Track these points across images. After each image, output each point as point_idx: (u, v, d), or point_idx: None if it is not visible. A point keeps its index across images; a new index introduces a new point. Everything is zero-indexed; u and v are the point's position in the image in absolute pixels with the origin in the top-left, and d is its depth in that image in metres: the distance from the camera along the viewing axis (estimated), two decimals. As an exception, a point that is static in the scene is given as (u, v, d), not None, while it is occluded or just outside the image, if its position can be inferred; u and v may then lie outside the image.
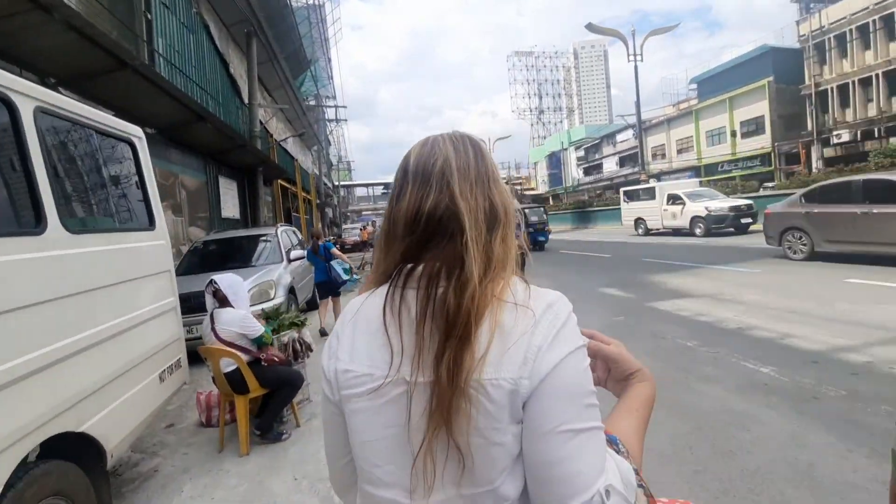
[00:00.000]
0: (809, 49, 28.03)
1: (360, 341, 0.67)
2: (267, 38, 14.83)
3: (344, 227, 30.59)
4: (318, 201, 30.24)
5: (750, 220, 14.77)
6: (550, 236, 18.21)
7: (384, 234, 0.72)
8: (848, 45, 26.21)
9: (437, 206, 0.66)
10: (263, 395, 3.30)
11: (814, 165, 26.99)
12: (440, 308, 0.62)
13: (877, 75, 24.84)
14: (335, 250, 6.47)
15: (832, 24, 26.69)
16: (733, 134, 32.99)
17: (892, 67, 24.11)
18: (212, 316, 3.26)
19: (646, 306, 6.12)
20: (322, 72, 34.89)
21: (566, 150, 52.80)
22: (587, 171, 49.48)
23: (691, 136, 36.65)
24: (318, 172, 31.59)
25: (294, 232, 8.44)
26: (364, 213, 58.57)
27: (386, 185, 68.63)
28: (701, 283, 7.33)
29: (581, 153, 50.38)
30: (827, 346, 4.05)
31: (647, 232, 18.94)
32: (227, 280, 3.30)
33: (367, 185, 65.81)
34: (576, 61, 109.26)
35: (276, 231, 6.89)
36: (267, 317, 3.97)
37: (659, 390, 3.51)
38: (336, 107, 32.84)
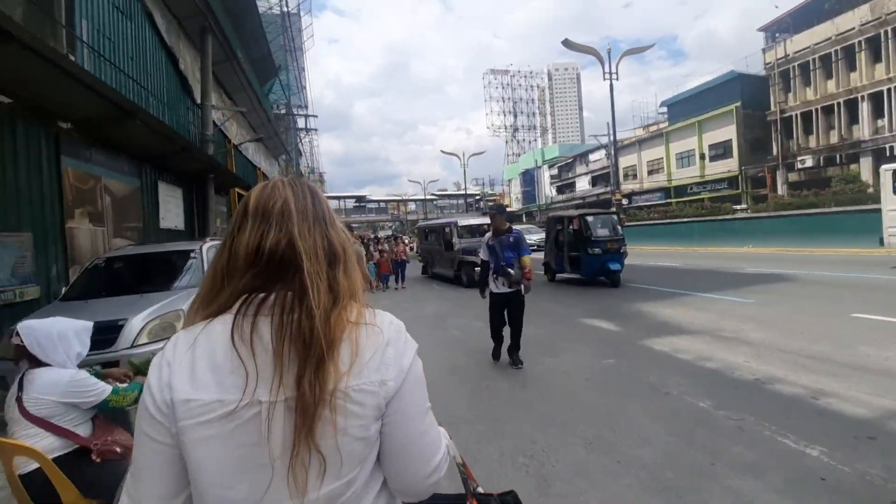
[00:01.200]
0: (775, 77, 28.67)
1: (203, 370, 0.68)
2: (224, 36, 13.64)
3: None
4: (283, 213, 28.78)
5: None
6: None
7: (222, 267, 0.74)
8: (811, 73, 26.84)
9: (278, 243, 0.72)
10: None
11: (779, 189, 27.37)
12: (297, 332, 0.68)
13: (838, 104, 25.43)
14: None
15: (796, 53, 27.35)
16: (702, 157, 33.40)
17: (852, 97, 24.73)
18: (21, 382, 2.10)
19: (639, 345, 5.18)
20: (294, 81, 33.64)
21: (540, 168, 52.86)
22: (560, 190, 49.51)
23: (662, 158, 37.01)
24: (285, 183, 30.14)
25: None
26: (335, 225, 56.80)
27: (358, 199, 67.28)
28: (692, 315, 6.49)
29: (554, 171, 50.45)
30: (875, 410, 3.17)
31: None
32: (33, 328, 2.13)
33: (338, 198, 64.19)
34: (550, 82, 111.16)
35: (202, 247, 5.68)
36: (137, 371, 2.81)
37: (681, 491, 2.03)
38: (307, 116, 31.55)
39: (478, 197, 65.19)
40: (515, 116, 78.32)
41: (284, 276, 0.72)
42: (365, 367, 0.70)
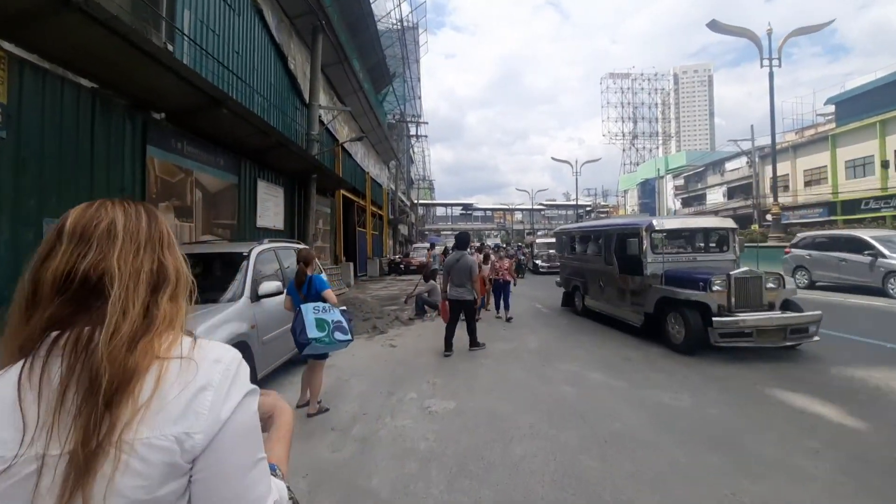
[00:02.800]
0: None
1: None
2: (336, 37, 13.24)
3: (414, 245, 28.66)
4: (390, 217, 28.76)
5: None
6: None
7: (25, 299, 0.64)
8: None
9: (95, 266, 0.63)
10: None
11: None
12: (84, 370, 0.58)
13: None
14: (328, 292, 3.95)
15: None
16: (884, 165, 26.52)
17: None
18: None
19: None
20: (409, 92, 33.97)
21: (663, 177, 47.35)
22: (686, 202, 43.69)
23: (824, 167, 30.38)
24: (393, 188, 30.22)
25: (298, 251, 6.10)
26: (442, 231, 57.03)
27: (465, 206, 66.97)
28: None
29: (680, 182, 44.74)
30: None
31: None
32: None
33: (446, 205, 64.43)
34: (675, 86, 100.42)
35: (251, 252, 4.56)
36: None
37: None
38: (417, 122, 31.41)
39: (589, 208, 60.80)
40: (635, 123, 71.42)
41: (93, 305, 0.62)
42: (161, 414, 0.58)
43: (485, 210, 68.97)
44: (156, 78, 5.80)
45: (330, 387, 4.51)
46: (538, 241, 25.50)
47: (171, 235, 0.73)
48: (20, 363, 0.60)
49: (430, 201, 61.53)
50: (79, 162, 5.40)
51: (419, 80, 43.94)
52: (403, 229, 34.80)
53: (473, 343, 6.20)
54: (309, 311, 3.53)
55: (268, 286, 4.20)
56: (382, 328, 7.43)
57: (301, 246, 6.09)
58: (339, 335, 3.55)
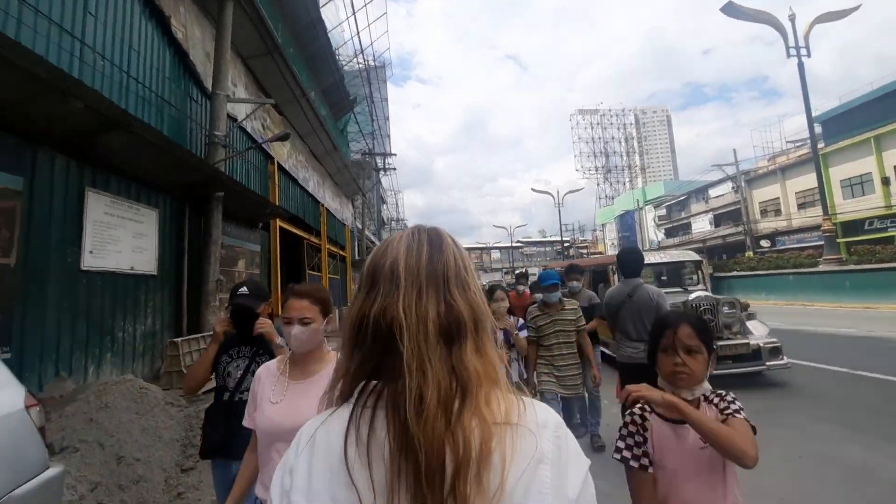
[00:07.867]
0: None
1: (319, 477, 0.53)
2: (255, 8, 9.46)
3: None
4: (355, 258, 24.47)
5: None
6: None
7: (344, 341, 0.60)
8: None
9: (384, 313, 0.56)
10: None
11: None
12: (407, 443, 0.50)
13: None
14: None
15: None
16: (885, 181, 24.26)
17: None
18: None
19: None
20: (377, 129, 30.70)
21: (642, 209, 44.90)
22: (670, 233, 41.06)
23: (815, 188, 27.99)
24: (360, 226, 26.12)
25: None
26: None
27: (441, 247, 63.25)
28: None
29: (662, 212, 42.27)
30: None
31: None
32: None
33: (421, 246, 60.47)
34: (637, 125, 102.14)
35: None
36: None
37: None
38: (385, 155, 27.80)
39: (567, 244, 57.98)
40: (607, 157, 70.29)
41: (392, 361, 0.54)
42: (510, 495, 0.48)
43: (461, 250, 65.12)
44: None
45: None
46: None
47: (462, 267, 0.60)
48: (345, 411, 0.56)
49: (403, 243, 57.51)
50: None
51: (387, 119, 41.08)
52: (373, 273, 30.38)
53: None
54: None
55: None
56: None
57: None
58: None
